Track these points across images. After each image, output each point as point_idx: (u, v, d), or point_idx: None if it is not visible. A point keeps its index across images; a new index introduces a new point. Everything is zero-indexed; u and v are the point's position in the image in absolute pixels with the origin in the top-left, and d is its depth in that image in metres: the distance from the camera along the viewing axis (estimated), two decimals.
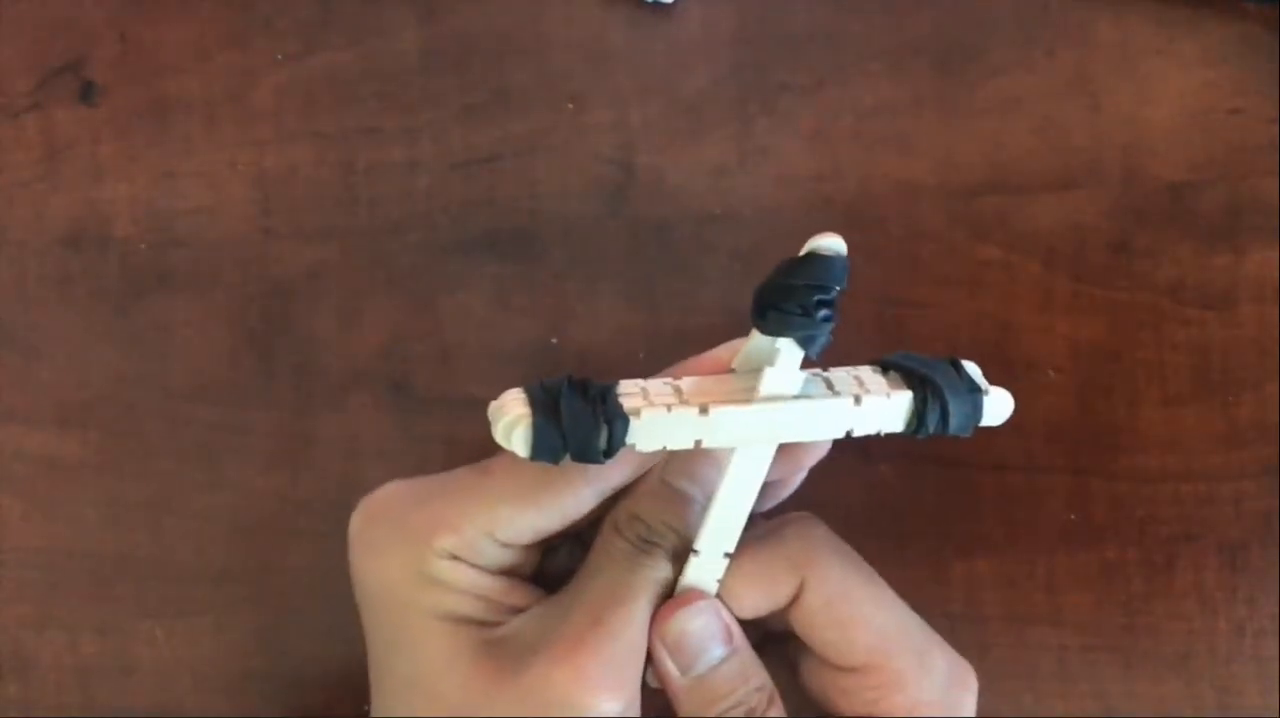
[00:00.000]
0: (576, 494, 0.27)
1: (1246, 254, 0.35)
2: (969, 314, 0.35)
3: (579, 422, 0.24)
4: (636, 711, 0.27)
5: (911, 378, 0.26)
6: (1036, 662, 0.36)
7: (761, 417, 0.25)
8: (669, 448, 0.25)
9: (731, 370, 0.27)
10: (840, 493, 0.32)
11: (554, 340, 0.36)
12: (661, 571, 0.27)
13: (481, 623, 0.27)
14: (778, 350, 0.25)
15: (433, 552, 0.27)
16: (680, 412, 0.25)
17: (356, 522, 0.29)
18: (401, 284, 0.36)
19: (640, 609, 0.27)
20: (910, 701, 0.27)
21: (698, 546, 0.27)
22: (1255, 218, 0.35)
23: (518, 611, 0.28)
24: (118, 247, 0.37)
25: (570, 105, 0.36)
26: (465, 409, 0.36)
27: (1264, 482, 0.35)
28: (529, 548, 0.28)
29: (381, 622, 0.28)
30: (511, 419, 0.24)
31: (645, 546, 0.27)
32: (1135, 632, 0.36)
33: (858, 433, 0.26)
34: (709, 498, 0.27)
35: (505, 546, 0.28)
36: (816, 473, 0.32)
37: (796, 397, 0.25)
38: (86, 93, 0.37)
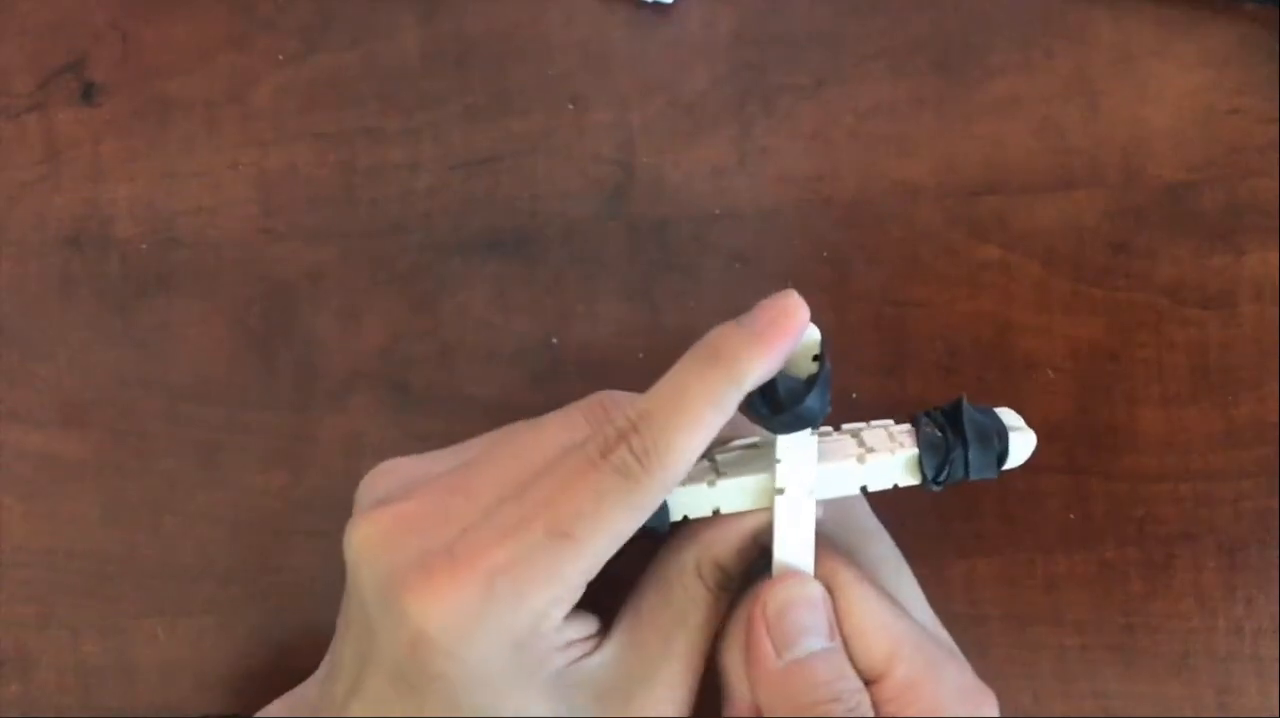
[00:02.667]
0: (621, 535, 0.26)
1: (1245, 254, 0.35)
2: (968, 314, 0.35)
3: None
4: None
5: (933, 429, 0.27)
6: (1036, 661, 0.36)
7: (768, 485, 0.27)
8: (690, 517, 0.27)
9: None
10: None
11: (554, 340, 0.36)
12: (724, 607, 0.28)
13: (566, 668, 0.26)
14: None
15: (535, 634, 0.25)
16: (693, 487, 0.27)
17: (359, 530, 0.27)
18: (402, 284, 0.36)
19: (698, 658, 0.28)
20: (926, 705, 0.27)
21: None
22: (1254, 218, 0.35)
23: (590, 641, 0.27)
24: (119, 247, 0.37)
25: (570, 106, 0.36)
26: (465, 409, 0.36)
27: (1263, 482, 0.35)
28: None
29: (470, 685, 0.25)
30: None
31: (721, 593, 0.27)
32: (1134, 631, 0.36)
33: (872, 488, 0.27)
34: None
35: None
36: None
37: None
38: (88, 93, 0.38)
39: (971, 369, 0.32)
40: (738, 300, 0.35)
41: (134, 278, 0.37)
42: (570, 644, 0.27)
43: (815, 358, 0.26)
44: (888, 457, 0.27)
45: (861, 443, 0.28)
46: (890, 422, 0.28)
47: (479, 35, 0.36)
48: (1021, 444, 0.28)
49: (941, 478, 0.27)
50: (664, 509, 0.27)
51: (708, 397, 0.25)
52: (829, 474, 0.27)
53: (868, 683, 0.27)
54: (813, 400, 0.26)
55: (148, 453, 0.37)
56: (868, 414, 0.34)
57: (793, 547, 0.27)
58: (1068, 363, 0.35)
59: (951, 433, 0.27)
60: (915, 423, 0.28)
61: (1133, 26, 0.35)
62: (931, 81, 0.35)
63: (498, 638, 0.25)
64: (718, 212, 0.36)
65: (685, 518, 0.27)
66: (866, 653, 0.27)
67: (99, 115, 0.37)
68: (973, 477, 0.27)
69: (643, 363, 0.36)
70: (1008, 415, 0.28)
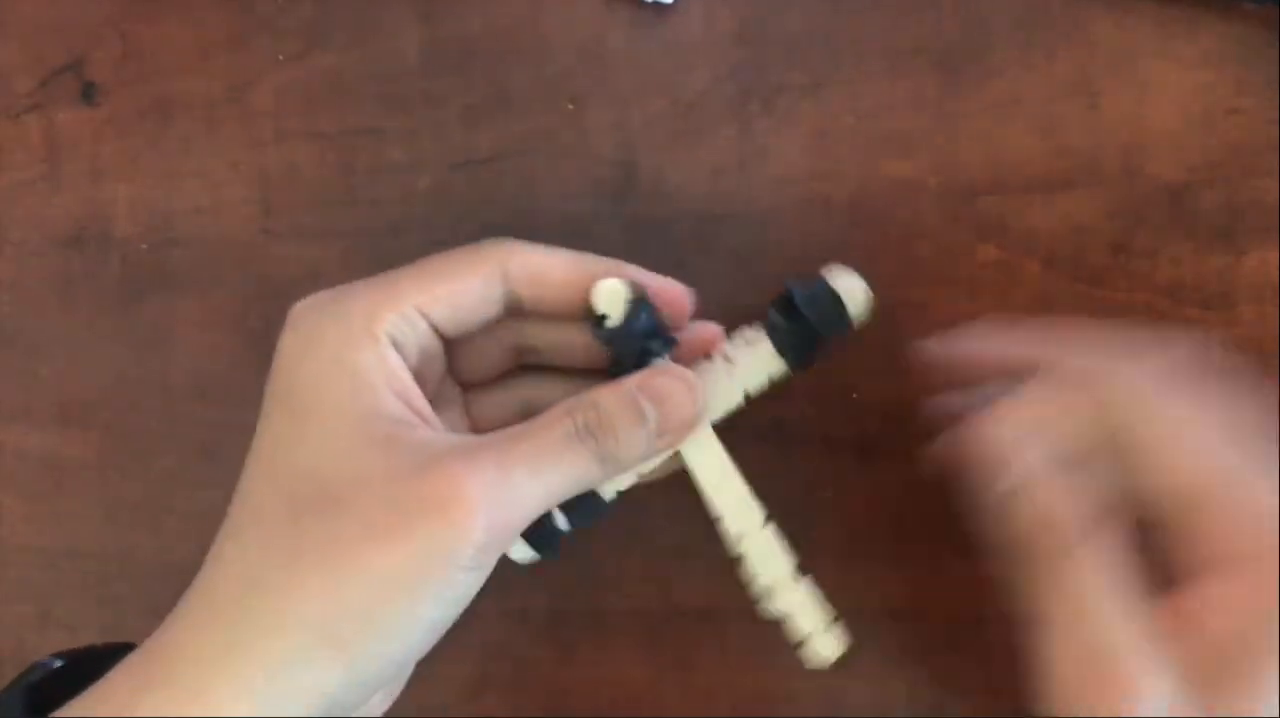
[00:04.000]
0: (487, 276, 0.29)
1: (1245, 255, 0.35)
2: (968, 314, 0.35)
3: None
4: (494, 557, 0.27)
5: (776, 315, 0.30)
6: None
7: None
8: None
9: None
10: (841, 493, 0.32)
11: None
12: (584, 464, 0.28)
13: (394, 421, 0.27)
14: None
15: (369, 335, 0.28)
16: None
17: (293, 315, 0.29)
18: None
19: (547, 480, 0.27)
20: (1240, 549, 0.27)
21: (741, 549, 0.30)
22: (1254, 218, 0.35)
23: (428, 425, 0.28)
24: (118, 247, 0.37)
25: (570, 106, 0.36)
26: None
27: None
28: (438, 360, 0.30)
29: (287, 412, 0.28)
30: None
31: (585, 434, 0.28)
32: None
33: (753, 391, 0.30)
34: (660, 430, 0.29)
35: (431, 330, 0.29)
36: (819, 474, 0.33)
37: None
38: (87, 93, 0.38)
39: None
40: (738, 300, 0.35)
41: (134, 278, 0.37)
42: (410, 409, 0.28)
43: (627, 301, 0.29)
44: (749, 357, 0.30)
45: (727, 358, 0.30)
46: (744, 327, 0.31)
47: (479, 35, 0.36)
48: (851, 290, 0.30)
49: (801, 354, 0.30)
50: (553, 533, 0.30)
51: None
52: (711, 396, 0.30)
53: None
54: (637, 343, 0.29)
55: (147, 453, 0.37)
56: (868, 413, 0.34)
57: (717, 481, 0.30)
58: None
59: (790, 312, 0.30)
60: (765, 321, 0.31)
61: (1133, 26, 0.35)
62: (932, 80, 0.35)
63: (330, 352, 0.28)
64: (718, 212, 0.36)
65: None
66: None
67: (99, 115, 0.37)
68: (825, 335, 0.30)
69: None
70: (836, 274, 0.31)
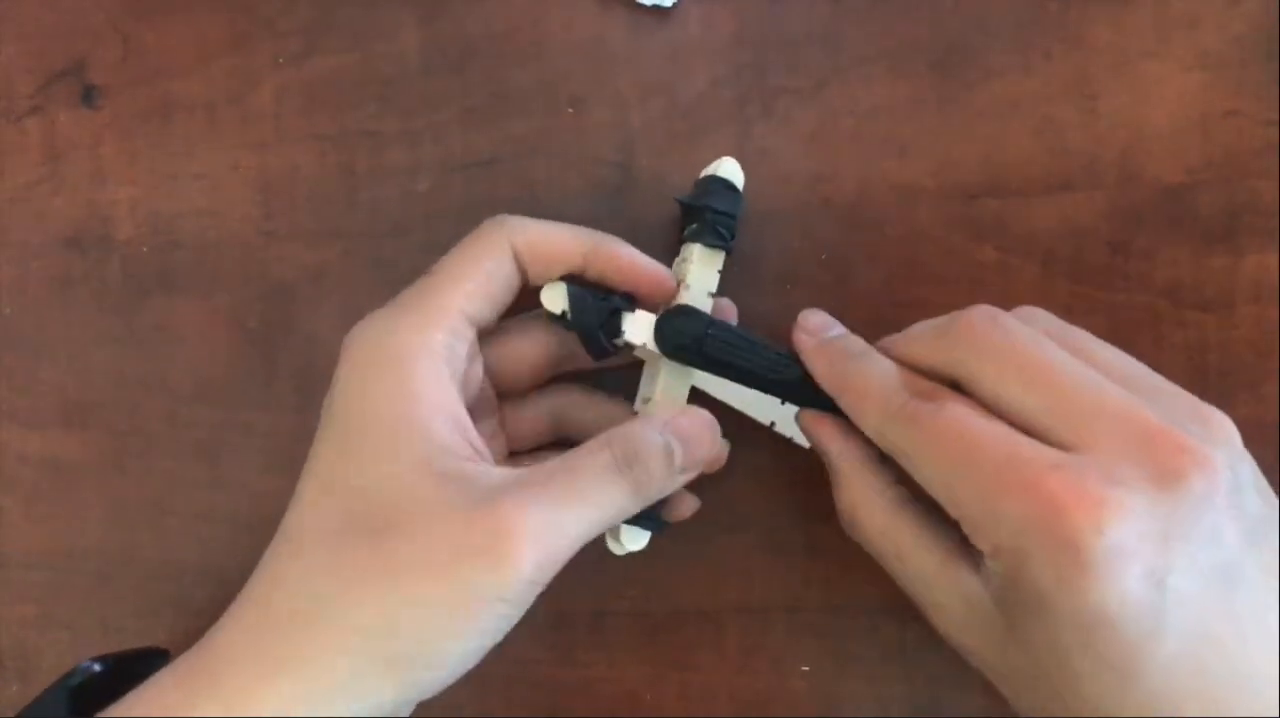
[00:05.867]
0: (504, 259, 0.31)
1: (1244, 256, 0.35)
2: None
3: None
4: (537, 593, 0.28)
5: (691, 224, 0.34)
6: None
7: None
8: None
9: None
10: None
11: None
12: (622, 499, 0.29)
13: (450, 453, 0.28)
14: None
15: (426, 354, 0.29)
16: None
17: (350, 338, 0.30)
18: (402, 286, 0.36)
19: (591, 515, 0.28)
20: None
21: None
22: (1253, 219, 0.35)
23: (481, 458, 0.29)
24: (119, 248, 0.37)
25: (570, 108, 0.36)
26: None
27: None
28: (478, 360, 0.32)
29: (345, 433, 0.29)
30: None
31: (624, 467, 0.29)
32: None
33: (714, 289, 0.33)
34: (684, 466, 0.31)
35: (473, 329, 0.31)
36: (819, 474, 0.33)
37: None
38: (88, 96, 0.38)
39: None
40: (737, 300, 0.35)
41: (134, 279, 0.37)
42: (464, 430, 0.29)
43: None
44: (693, 269, 0.33)
45: (679, 282, 0.33)
46: (676, 259, 0.35)
47: (479, 37, 0.36)
48: (725, 169, 0.34)
49: (726, 237, 0.33)
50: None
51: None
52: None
53: None
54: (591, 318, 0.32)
55: (148, 453, 0.37)
56: None
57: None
58: None
59: (694, 214, 0.34)
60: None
61: (1131, 28, 0.35)
62: (931, 82, 0.35)
63: (387, 386, 0.29)
64: None
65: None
66: None
67: (99, 118, 0.37)
68: (731, 212, 0.33)
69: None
70: (710, 167, 0.35)
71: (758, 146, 0.36)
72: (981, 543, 0.27)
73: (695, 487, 0.33)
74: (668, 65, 0.36)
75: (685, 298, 0.33)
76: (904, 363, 0.30)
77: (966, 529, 0.27)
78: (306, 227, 0.37)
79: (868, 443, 0.31)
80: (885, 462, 0.31)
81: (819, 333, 0.32)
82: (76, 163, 0.37)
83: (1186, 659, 0.25)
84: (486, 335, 0.32)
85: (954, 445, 0.27)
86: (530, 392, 0.34)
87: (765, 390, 0.32)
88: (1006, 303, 0.35)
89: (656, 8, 0.36)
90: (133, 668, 0.28)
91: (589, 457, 0.29)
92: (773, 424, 0.34)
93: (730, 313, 0.34)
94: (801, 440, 0.33)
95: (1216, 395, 0.35)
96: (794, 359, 0.32)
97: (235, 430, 0.37)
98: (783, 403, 0.33)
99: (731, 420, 0.33)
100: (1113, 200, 0.35)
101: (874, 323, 0.34)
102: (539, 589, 0.28)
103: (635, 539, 0.33)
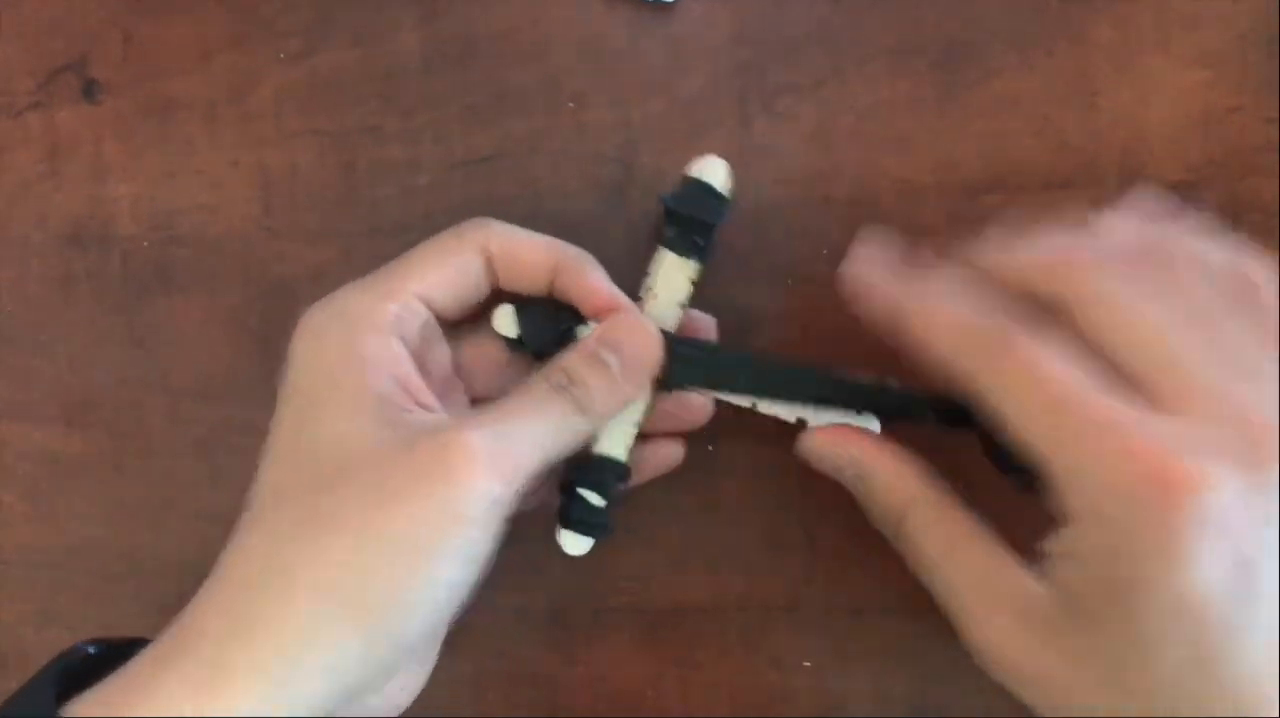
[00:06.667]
0: (473, 257, 0.31)
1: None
2: None
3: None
4: (503, 512, 0.28)
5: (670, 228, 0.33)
6: None
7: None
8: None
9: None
10: (842, 492, 0.32)
11: None
12: (568, 415, 0.30)
13: (398, 406, 0.29)
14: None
15: (373, 328, 0.29)
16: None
17: (302, 319, 0.30)
18: None
19: (539, 432, 0.29)
20: None
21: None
22: (1254, 218, 0.35)
23: (430, 410, 0.29)
24: (120, 245, 0.37)
25: (571, 105, 0.36)
26: None
27: None
28: (442, 347, 0.32)
29: (301, 397, 0.29)
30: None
31: (560, 389, 0.30)
32: None
33: (685, 301, 0.33)
34: (625, 374, 0.31)
35: (432, 316, 0.31)
36: (819, 474, 0.33)
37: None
38: (89, 92, 0.38)
39: None
40: (738, 300, 0.35)
41: (135, 277, 0.37)
42: (410, 391, 0.29)
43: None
44: (664, 278, 0.33)
45: (648, 289, 0.33)
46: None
47: (479, 35, 0.36)
48: (713, 172, 0.32)
49: (701, 249, 0.32)
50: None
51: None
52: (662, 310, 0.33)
53: None
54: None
55: (149, 452, 0.37)
56: None
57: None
58: None
59: (674, 218, 0.33)
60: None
61: (1132, 25, 0.35)
62: (931, 81, 0.35)
63: (336, 340, 0.29)
64: None
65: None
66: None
67: (100, 114, 0.37)
68: (713, 222, 0.32)
69: None
70: (696, 166, 0.33)
71: (758, 144, 0.36)
72: (1074, 501, 0.25)
73: (695, 483, 0.33)
74: (669, 63, 0.36)
75: (652, 308, 0.32)
76: (986, 279, 0.28)
77: (1056, 484, 0.26)
78: (307, 224, 0.37)
79: (892, 442, 0.30)
80: (915, 459, 0.30)
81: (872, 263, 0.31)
82: (77, 159, 0.37)
83: (1273, 657, 0.24)
84: (457, 338, 0.33)
85: (1043, 391, 0.26)
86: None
87: (745, 394, 0.32)
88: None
89: (657, 5, 0.36)
90: (128, 653, 0.28)
91: (525, 386, 0.30)
92: (754, 405, 0.33)
93: (707, 329, 0.34)
94: (782, 413, 0.33)
95: None
96: (767, 359, 0.32)
97: (235, 429, 0.37)
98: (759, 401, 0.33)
99: (731, 419, 0.33)
100: (1114, 198, 0.35)
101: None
102: (503, 510, 0.28)
103: (576, 545, 0.33)
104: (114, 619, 0.37)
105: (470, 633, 0.36)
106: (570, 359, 0.30)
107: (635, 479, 0.33)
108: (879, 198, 0.35)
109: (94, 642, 0.30)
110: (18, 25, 0.38)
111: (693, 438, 0.34)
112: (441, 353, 0.32)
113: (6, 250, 0.38)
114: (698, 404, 0.33)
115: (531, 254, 0.32)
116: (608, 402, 0.30)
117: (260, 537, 0.28)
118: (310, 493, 0.27)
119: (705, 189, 0.32)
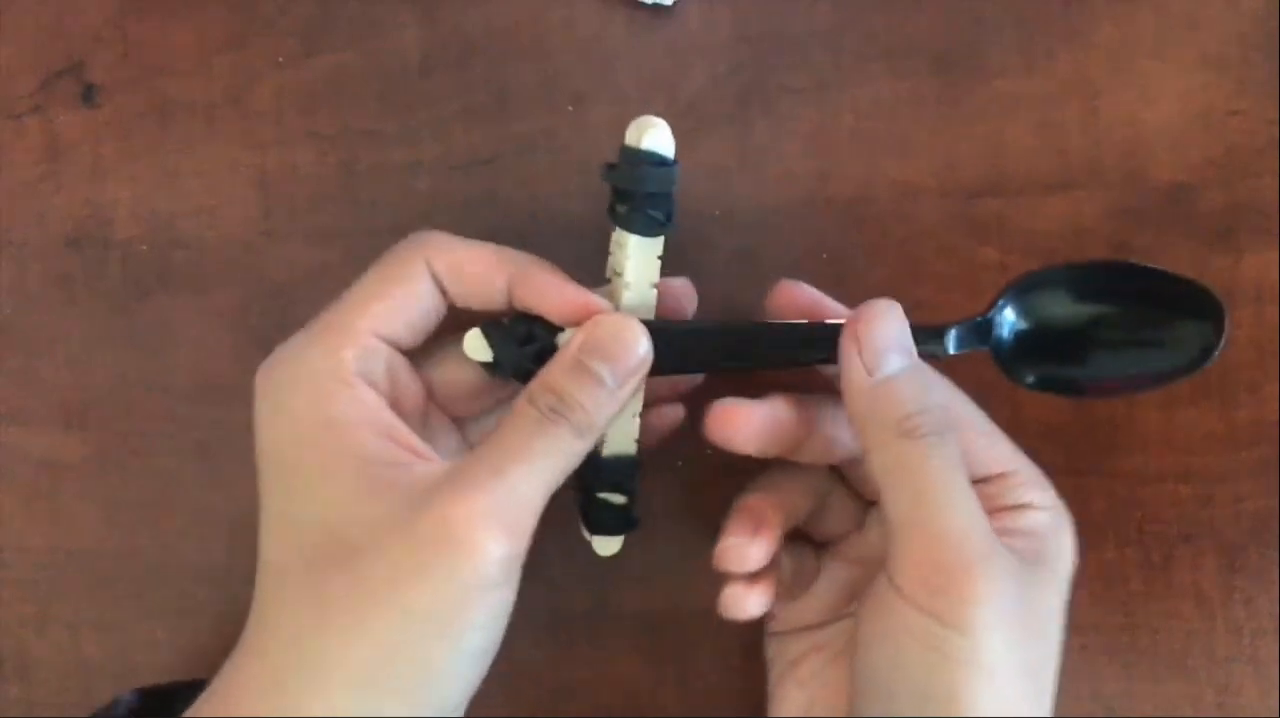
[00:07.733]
0: (420, 281, 0.30)
1: (1245, 255, 0.35)
2: (967, 315, 0.35)
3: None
4: (520, 563, 0.27)
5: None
6: None
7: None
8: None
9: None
10: None
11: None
12: (566, 442, 0.28)
13: (386, 464, 0.28)
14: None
15: (338, 381, 0.28)
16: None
17: (259, 379, 0.29)
18: None
19: (540, 470, 0.28)
20: (1048, 498, 0.31)
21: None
22: (1254, 219, 0.35)
23: (420, 458, 0.28)
24: (119, 247, 0.37)
25: (570, 106, 0.36)
26: None
27: (1262, 482, 0.35)
28: (410, 377, 0.30)
29: (282, 466, 0.28)
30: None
31: (554, 415, 0.28)
32: (1134, 632, 0.36)
33: (655, 279, 0.30)
34: (618, 381, 0.29)
35: (392, 349, 0.29)
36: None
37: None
38: (88, 94, 0.38)
39: (971, 368, 0.32)
40: (738, 300, 0.35)
41: (134, 278, 0.37)
42: (398, 446, 0.28)
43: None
44: (628, 259, 0.30)
45: (614, 272, 0.31)
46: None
47: (479, 35, 0.36)
48: (652, 136, 0.29)
49: (659, 221, 0.29)
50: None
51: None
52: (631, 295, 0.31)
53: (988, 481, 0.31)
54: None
55: (148, 453, 0.37)
56: None
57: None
58: None
59: (621, 194, 0.30)
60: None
61: (1132, 27, 0.35)
62: (931, 81, 0.35)
63: (305, 403, 0.28)
64: (718, 212, 0.36)
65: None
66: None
67: (99, 116, 0.37)
68: (662, 191, 0.29)
69: None
70: (633, 131, 0.29)
71: (759, 145, 0.36)
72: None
73: (695, 484, 0.32)
74: (668, 63, 0.36)
75: (628, 300, 0.30)
76: None
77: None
78: (306, 225, 0.37)
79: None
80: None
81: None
82: (76, 162, 0.37)
83: None
84: (423, 360, 0.31)
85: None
86: (492, 407, 0.33)
87: (734, 365, 0.31)
88: None
89: (657, 6, 0.36)
90: (171, 698, 0.27)
91: (517, 419, 0.28)
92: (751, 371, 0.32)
93: (687, 294, 0.33)
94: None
95: (1218, 395, 0.35)
96: (751, 327, 0.31)
97: (235, 429, 0.37)
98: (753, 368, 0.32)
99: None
100: (1114, 200, 0.35)
101: None
102: (519, 563, 0.27)
103: (607, 546, 0.33)
104: (114, 621, 0.37)
105: None
106: (555, 376, 0.29)
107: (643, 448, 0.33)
108: (879, 199, 0.35)
109: (138, 691, 0.30)
110: (16, 28, 0.38)
111: (693, 439, 0.34)
112: (413, 385, 0.31)
113: (6, 253, 0.38)
114: None
115: (479, 266, 0.30)
116: (605, 415, 0.29)
117: (288, 615, 0.27)
118: (323, 571, 0.27)
119: (649, 157, 0.29)
